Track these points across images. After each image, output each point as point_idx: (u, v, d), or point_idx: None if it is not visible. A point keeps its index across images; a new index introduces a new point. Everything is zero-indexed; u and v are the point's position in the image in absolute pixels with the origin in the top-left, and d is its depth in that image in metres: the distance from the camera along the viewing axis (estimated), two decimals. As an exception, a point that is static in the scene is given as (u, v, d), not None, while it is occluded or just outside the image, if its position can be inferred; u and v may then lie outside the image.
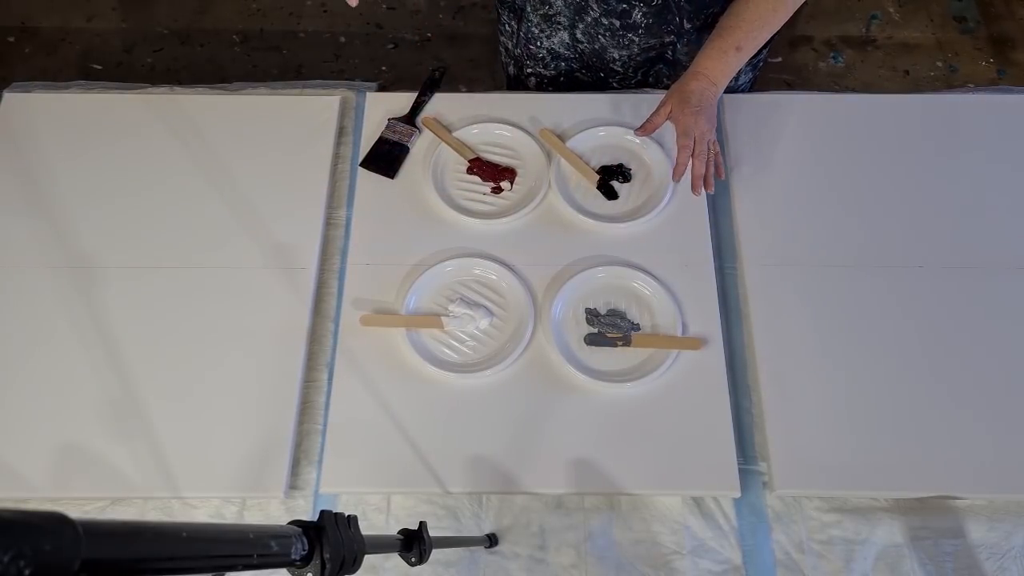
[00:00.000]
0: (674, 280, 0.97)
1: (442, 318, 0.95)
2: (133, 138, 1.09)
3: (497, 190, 1.06)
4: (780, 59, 2.19)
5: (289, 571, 0.47)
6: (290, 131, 1.10)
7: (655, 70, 1.17)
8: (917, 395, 0.91)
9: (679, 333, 0.93)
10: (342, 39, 2.23)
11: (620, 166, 1.07)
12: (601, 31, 1.09)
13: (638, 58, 1.12)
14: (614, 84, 1.20)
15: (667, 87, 1.18)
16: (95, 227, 1.02)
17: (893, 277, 0.98)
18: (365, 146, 1.09)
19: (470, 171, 1.07)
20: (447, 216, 1.03)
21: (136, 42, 2.25)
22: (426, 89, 1.14)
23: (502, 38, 1.28)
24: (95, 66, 2.21)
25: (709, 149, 0.95)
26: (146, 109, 1.12)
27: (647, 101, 1.13)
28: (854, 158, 1.07)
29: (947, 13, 2.29)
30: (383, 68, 2.18)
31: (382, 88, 1.19)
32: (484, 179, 1.06)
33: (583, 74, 1.20)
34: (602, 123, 1.09)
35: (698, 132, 0.93)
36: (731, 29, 0.94)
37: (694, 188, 0.94)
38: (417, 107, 1.12)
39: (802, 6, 0.94)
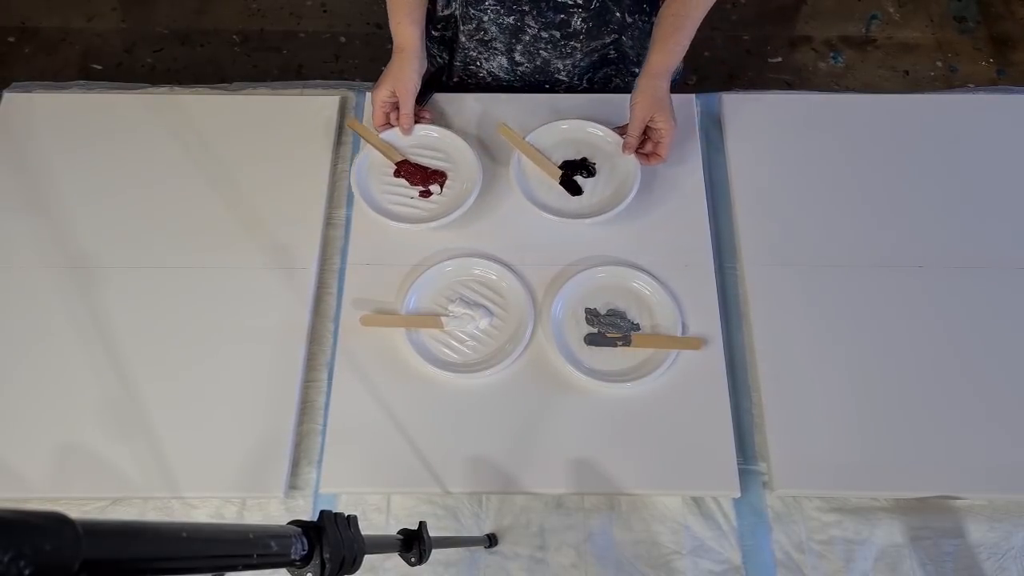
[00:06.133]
0: (674, 280, 0.97)
1: (442, 318, 0.95)
2: (133, 138, 1.09)
3: (426, 194, 1.03)
4: (780, 59, 2.18)
5: (289, 571, 0.47)
6: (290, 131, 1.10)
7: (601, 73, 1.16)
8: (917, 395, 0.91)
9: (679, 333, 0.93)
10: (342, 39, 2.23)
11: (584, 160, 1.05)
12: (542, 46, 1.08)
13: (581, 63, 1.11)
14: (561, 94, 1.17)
15: (617, 88, 1.14)
16: (95, 227, 1.02)
17: (893, 277, 0.98)
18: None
19: (397, 174, 1.04)
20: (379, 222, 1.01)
21: (136, 42, 2.25)
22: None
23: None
24: (95, 66, 2.21)
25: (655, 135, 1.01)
26: (146, 109, 1.12)
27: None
28: (854, 158, 1.07)
29: (947, 13, 2.28)
30: (383, 68, 2.18)
31: (382, 88, 1.19)
32: (412, 183, 1.03)
33: (526, 92, 1.17)
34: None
35: (667, 131, 0.98)
36: (681, 24, 0.96)
37: (642, 163, 1.01)
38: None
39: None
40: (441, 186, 1.04)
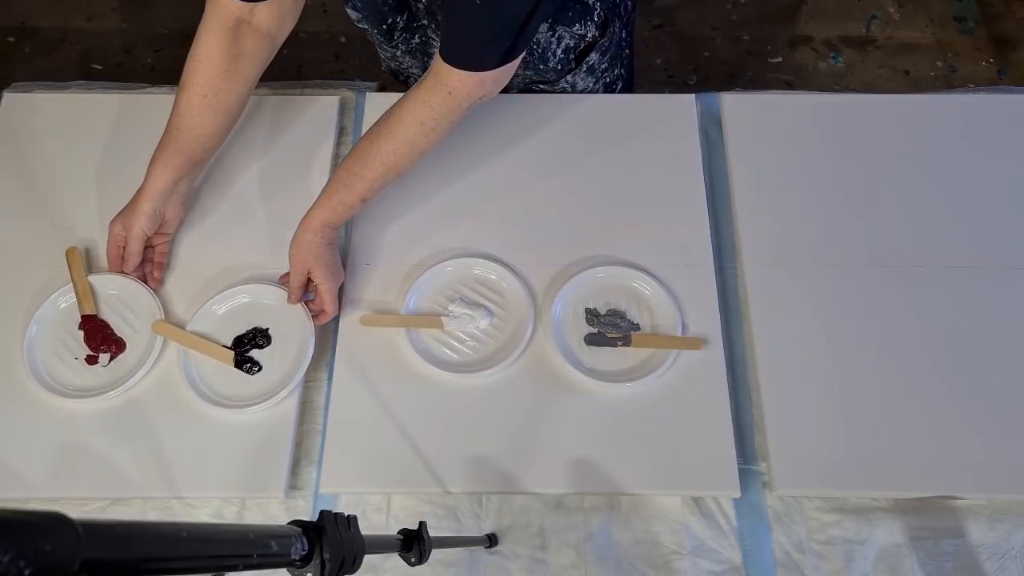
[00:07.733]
0: (674, 280, 0.97)
1: (442, 318, 0.95)
2: (133, 138, 1.09)
3: (92, 360, 0.92)
4: (780, 59, 2.18)
5: (289, 571, 0.48)
6: (290, 131, 1.10)
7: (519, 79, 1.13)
8: (917, 395, 0.91)
9: (679, 333, 0.93)
10: (342, 39, 2.23)
11: (255, 331, 0.94)
12: None
13: None
14: None
15: (542, 90, 1.14)
16: (96, 227, 1.02)
17: (893, 277, 0.98)
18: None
19: (81, 327, 0.93)
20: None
21: (136, 42, 2.24)
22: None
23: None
24: (95, 66, 2.20)
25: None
26: (146, 109, 1.12)
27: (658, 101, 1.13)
28: (854, 158, 1.07)
29: (947, 13, 2.28)
30: (383, 69, 2.18)
31: (382, 88, 1.19)
32: (87, 340, 0.92)
33: None
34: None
35: (325, 289, 0.91)
36: (352, 183, 0.88)
37: (315, 321, 0.93)
38: (417, 107, 1.12)
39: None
40: (111, 358, 0.92)
